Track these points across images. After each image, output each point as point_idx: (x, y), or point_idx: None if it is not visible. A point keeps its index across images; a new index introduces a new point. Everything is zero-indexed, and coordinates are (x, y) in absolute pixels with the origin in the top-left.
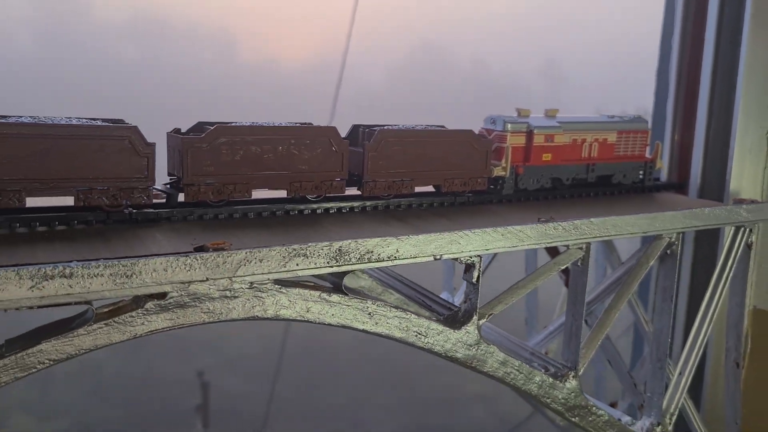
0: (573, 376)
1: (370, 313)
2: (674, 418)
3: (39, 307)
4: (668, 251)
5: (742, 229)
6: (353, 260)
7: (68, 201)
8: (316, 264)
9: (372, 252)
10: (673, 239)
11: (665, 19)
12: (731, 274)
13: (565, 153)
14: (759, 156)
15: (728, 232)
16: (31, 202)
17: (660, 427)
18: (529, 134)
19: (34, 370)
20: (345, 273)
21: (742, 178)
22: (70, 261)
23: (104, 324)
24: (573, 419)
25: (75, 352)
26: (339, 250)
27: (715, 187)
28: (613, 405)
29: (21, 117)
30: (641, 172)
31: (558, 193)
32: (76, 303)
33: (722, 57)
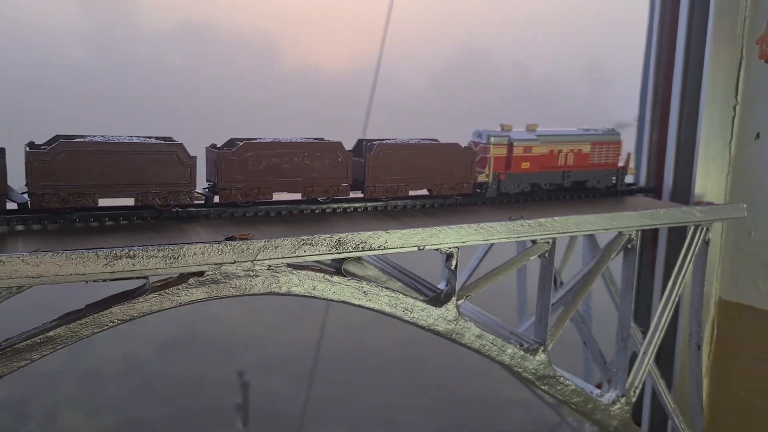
0: (542, 351)
1: (364, 292)
2: (638, 391)
3: (110, 280)
4: (629, 246)
5: (701, 227)
6: (350, 249)
7: (129, 202)
8: (319, 251)
9: (365, 242)
10: (632, 236)
11: (646, 45)
12: (690, 268)
13: (543, 162)
14: (722, 164)
15: (690, 230)
16: (102, 202)
17: (624, 398)
18: (510, 146)
19: (106, 327)
20: (344, 259)
21: (706, 183)
22: (134, 246)
23: (157, 294)
24: (543, 387)
25: (136, 314)
26: (338, 240)
27: (684, 191)
28: (599, 386)
29: (94, 136)
30: (614, 178)
31: (537, 196)
32: (137, 278)
33: (690, 77)
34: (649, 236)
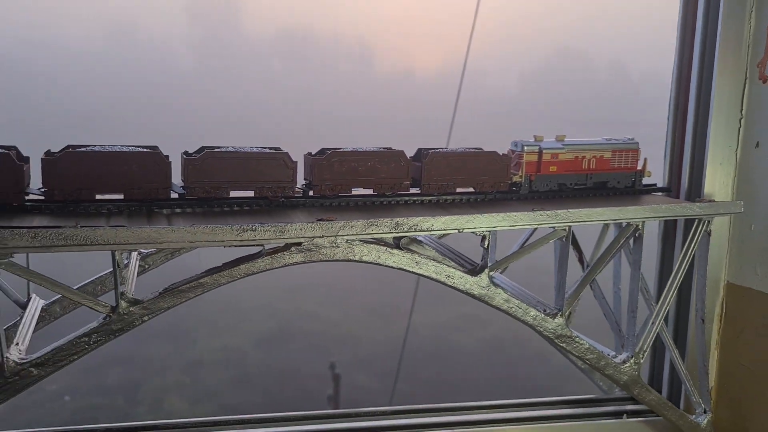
0: (560, 315)
1: (416, 262)
2: (645, 354)
3: (238, 245)
4: (636, 234)
5: (703, 221)
6: (406, 229)
7: (250, 193)
8: (383, 230)
9: (417, 225)
10: (639, 226)
11: (672, 68)
12: (695, 254)
13: (568, 166)
14: (728, 168)
15: (694, 223)
16: (232, 194)
17: (634, 359)
18: (540, 153)
19: (236, 278)
20: (401, 237)
21: (715, 184)
22: (254, 223)
23: (270, 257)
24: (561, 344)
25: (255, 270)
26: (397, 223)
27: (697, 191)
28: None
29: (227, 147)
30: (633, 179)
31: (563, 194)
32: (256, 245)
33: (702, 94)
34: (671, 229)
